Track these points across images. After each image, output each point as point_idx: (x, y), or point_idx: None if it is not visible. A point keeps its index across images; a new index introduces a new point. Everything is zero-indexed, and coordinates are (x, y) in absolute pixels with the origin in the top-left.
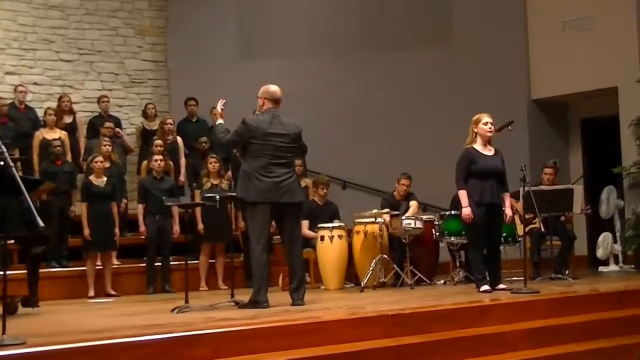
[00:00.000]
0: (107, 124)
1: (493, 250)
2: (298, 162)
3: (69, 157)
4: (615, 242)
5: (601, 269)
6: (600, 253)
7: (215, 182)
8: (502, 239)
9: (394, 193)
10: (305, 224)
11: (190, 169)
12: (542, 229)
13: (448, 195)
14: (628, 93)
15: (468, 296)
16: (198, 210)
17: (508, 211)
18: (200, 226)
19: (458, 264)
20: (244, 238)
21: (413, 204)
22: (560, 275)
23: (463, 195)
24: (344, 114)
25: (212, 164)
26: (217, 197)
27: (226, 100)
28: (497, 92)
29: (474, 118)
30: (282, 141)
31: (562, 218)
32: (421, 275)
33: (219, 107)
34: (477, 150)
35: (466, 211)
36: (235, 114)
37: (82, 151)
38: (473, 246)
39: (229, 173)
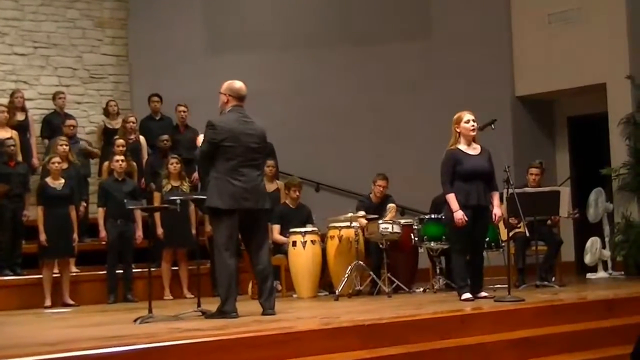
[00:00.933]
0: (69, 122)
1: (475, 256)
2: (270, 162)
3: (19, 158)
4: (604, 247)
5: (589, 275)
6: (588, 259)
7: (176, 183)
8: (485, 244)
9: (371, 195)
10: (276, 228)
11: (149, 169)
12: (527, 234)
13: (427, 198)
14: (617, 90)
15: (449, 305)
16: (157, 214)
17: (497, 210)
18: (160, 231)
19: (438, 271)
20: (210, 243)
21: (391, 207)
22: (546, 283)
23: (452, 199)
24: (317, 111)
25: (173, 164)
26: (178, 200)
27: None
28: (479, 89)
29: (455, 117)
30: (252, 142)
31: (548, 222)
32: (399, 283)
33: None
34: (461, 150)
35: (458, 215)
36: (202, 113)
37: (35, 151)
38: (456, 251)
39: (195, 174)
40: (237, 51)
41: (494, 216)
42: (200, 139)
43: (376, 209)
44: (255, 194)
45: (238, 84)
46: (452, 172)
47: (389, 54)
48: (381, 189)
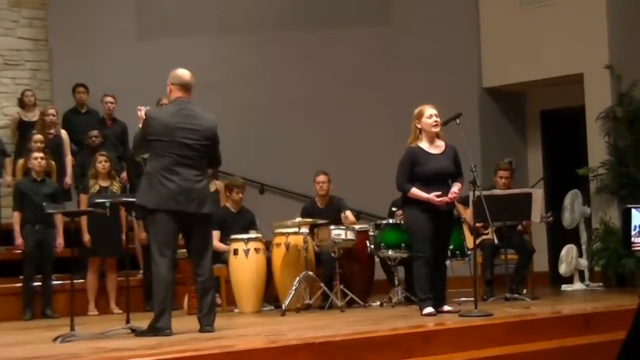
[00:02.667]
0: None
1: (438, 265)
2: None
3: None
4: (580, 256)
5: (564, 287)
6: (563, 269)
7: (105, 184)
8: (449, 252)
9: (316, 199)
10: (215, 235)
11: (78, 169)
12: (496, 241)
13: (385, 201)
14: (595, 81)
15: (409, 320)
16: (84, 218)
17: (454, 188)
18: (86, 237)
19: (397, 282)
20: (144, 252)
21: (348, 214)
22: (516, 295)
23: (416, 192)
24: (261, 104)
25: (102, 163)
26: (107, 202)
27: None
28: (442, 80)
29: (416, 111)
30: (192, 138)
31: (519, 228)
32: (353, 296)
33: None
34: (422, 149)
35: (433, 197)
36: (131, 104)
37: None
38: (417, 260)
39: (124, 174)
40: (171, 36)
41: (450, 194)
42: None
43: (322, 215)
44: (191, 196)
45: (180, 72)
46: (410, 174)
47: (344, 39)
48: (321, 185)
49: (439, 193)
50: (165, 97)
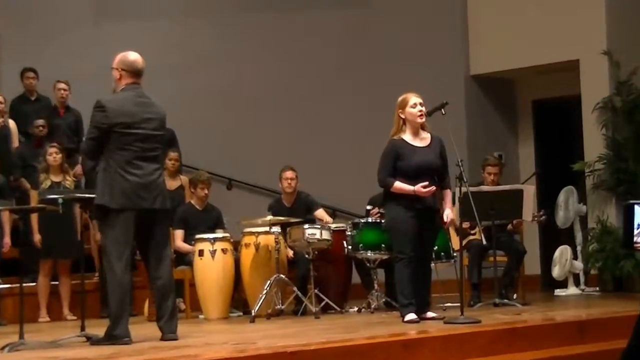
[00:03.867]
0: None
1: (422, 268)
2: (173, 155)
3: None
4: (575, 258)
5: (558, 292)
6: (556, 272)
7: (57, 179)
8: (434, 254)
9: (282, 196)
10: (179, 234)
11: (19, 160)
12: (484, 242)
13: (363, 198)
14: (592, 68)
15: (389, 327)
16: (34, 217)
17: (448, 212)
18: (37, 237)
19: (376, 286)
20: (100, 253)
21: (320, 213)
22: (506, 301)
23: (400, 185)
24: (228, 93)
25: (53, 155)
26: (60, 199)
27: None
28: (425, 66)
29: (399, 100)
30: (151, 128)
31: (509, 227)
32: (329, 301)
33: None
34: (405, 141)
35: (420, 189)
36: (86, 91)
37: None
38: (399, 261)
39: (77, 167)
40: (127, 18)
41: (445, 218)
42: None
43: (289, 214)
44: (154, 192)
45: (132, 56)
46: (392, 168)
47: (317, 22)
48: (288, 182)
49: (425, 183)
50: None
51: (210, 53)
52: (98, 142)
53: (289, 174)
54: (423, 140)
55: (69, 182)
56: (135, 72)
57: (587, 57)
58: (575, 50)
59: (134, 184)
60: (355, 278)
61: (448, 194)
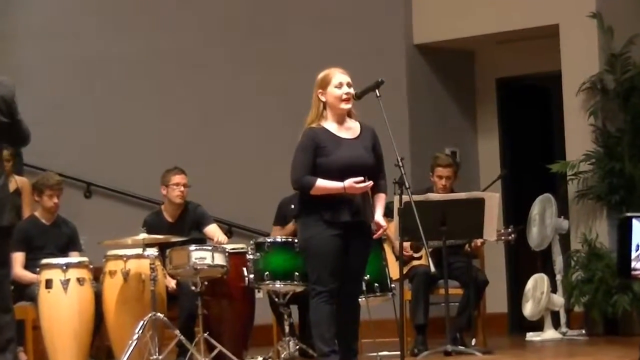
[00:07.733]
0: None
1: (347, 304)
2: (5, 152)
3: None
4: (554, 290)
5: (530, 336)
6: (529, 309)
7: None
8: (364, 285)
9: (162, 208)
10: (18, 258)
11: None
12: (432, 269)
13: (268, 211)
14: (576, 36)
15: None
16: None
17: (379, 218)
18: None
19: (287, 328)
20: None
21: (212, 230)
22: (462, 348)
23: (324, 183)
24: (87, 73)
25: None
26: None
27: None
28: (354, 34)
29: (319, 78)
30: None
31: (466, 249)
32: (223, 349)
33: None
34: (328, 131)
35: (351, 183)
36: None
37: None
38: (316, 296)
39: None
40: None
41: (374, 227)
42: None
43: (171, 230)
44: None
45: None
46: (310, 166)
47: None
48: (181, 189)
49: (360, 179)
50: None
51: (72, 20)
52: None
53: (179, 177)
54: (350, 130)
55: None
56: None
57: (569, 21)
58: (553, 12)
59: None
60: (260, 317)
61: (382, 198)
